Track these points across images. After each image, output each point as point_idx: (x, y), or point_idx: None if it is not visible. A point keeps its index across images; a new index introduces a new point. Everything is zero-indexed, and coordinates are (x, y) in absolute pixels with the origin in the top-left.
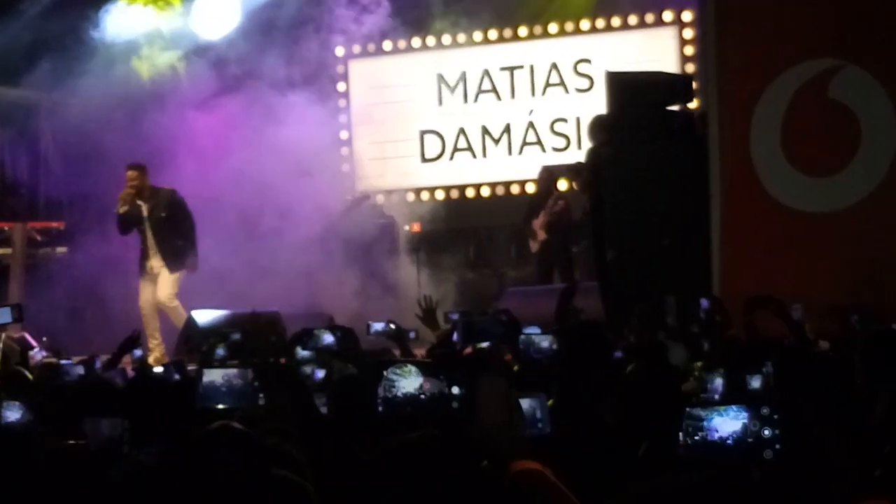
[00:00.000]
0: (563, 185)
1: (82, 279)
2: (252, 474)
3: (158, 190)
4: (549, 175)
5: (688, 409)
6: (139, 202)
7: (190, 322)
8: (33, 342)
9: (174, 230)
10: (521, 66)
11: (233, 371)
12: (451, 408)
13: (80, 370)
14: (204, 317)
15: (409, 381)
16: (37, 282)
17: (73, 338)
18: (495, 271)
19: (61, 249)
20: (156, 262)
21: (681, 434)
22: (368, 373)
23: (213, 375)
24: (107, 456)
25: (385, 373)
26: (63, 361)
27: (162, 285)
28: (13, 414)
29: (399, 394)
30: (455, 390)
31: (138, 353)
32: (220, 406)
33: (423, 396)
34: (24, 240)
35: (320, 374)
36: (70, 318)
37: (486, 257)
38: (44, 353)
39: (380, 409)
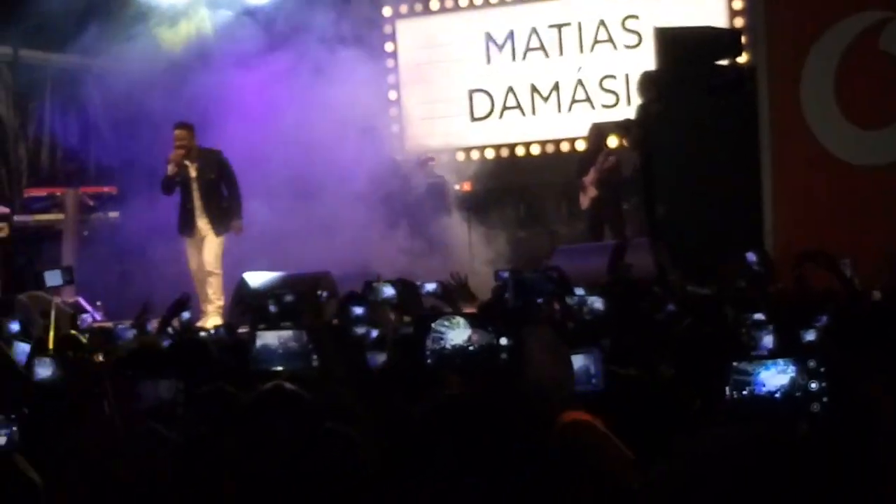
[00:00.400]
0: (613, 141)
1: (134, 243)
2: (305, 433)
3: (205, 151)
4: (600, 132)
5: (734, 363)
6: (186, 162)
7: (242, 284)
8: (87, 306)
9: (221, 192)
10: (569, 24)
11: (287, 333)
12: (500, 359)
13: (132, 333)
14: (256, 279)
15: (457, 333)
16: (89, 246)
17: (125, 302)
18: (546, 229)
19: (113, 214)
20: (202, 224)
21: (727, 388)
22: (418, 326)
23: (268, 338)
24: (161, 417)
25: (433, 325)
26: (119, 326)
27: (209, 249)
28: (44, 370)
29: (447, 346)
30: (503, 341)
31: (186, 315)
32: (276, 368)
33: (471, 348)
34: (76, 205)
35: (375, 333)
36: (122, 281)
37: (537, 215)
38: (97, 317)
39: (428, 361)
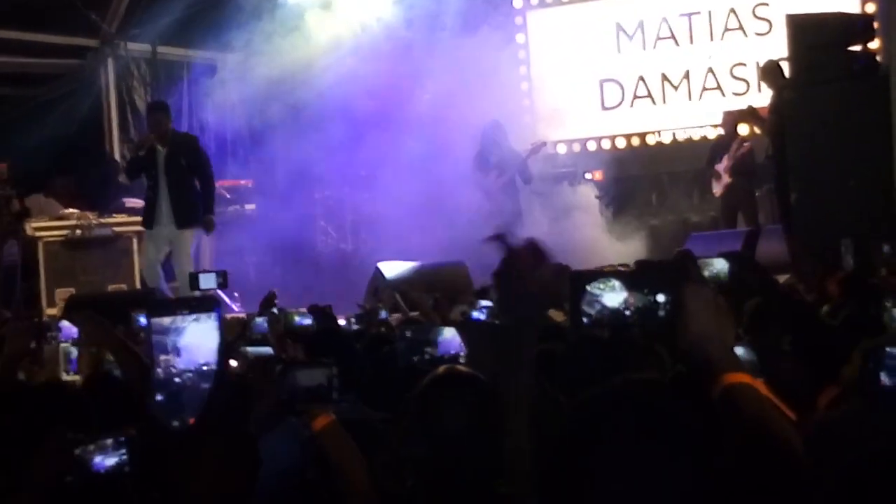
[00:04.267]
0: (744, 128)
1: (270, 236)
2: (479, 414)
3: (180, 135)
4: (732, 119)
5: (887, 348)
6: (157, 146)
7: (377, 274)
8: (225, 298)
9: (191, 182)
10: (699, 12)
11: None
12: (657, 318)
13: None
14: (390, 269)
15: (612, 296)
16: (226, 238)
17: (262, 293)
18: (678, 217)
19: (250, 206)
20: (166, 217)
21: (882, 374)
22: (573, 289)
23: (415, 332)
24: (316, 403)
25: (588, 287)
26: (255, 318)
27: (179, 248)
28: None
29: (603, 308)
30: (660, 298)
31: (275, 312)
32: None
33: (628, 312)
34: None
35: None
36: (259, 274)
37: (669, 203)
38: (235, 308)
39: (584, 321)
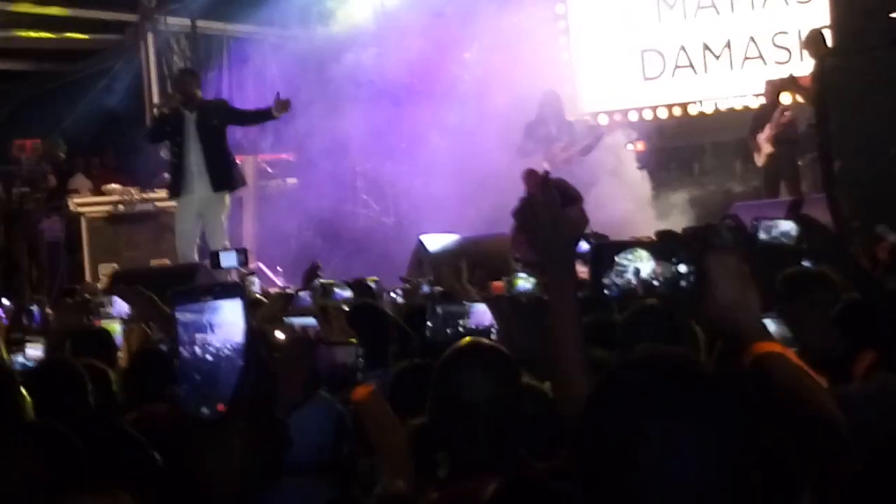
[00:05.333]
0: (786, 97)
1: (312, 209)
2: (505, 387)
3: (208, 101)
4: (774, 88)
5: None
6: (184, 111)
7: (420, 247)
8: (268, 272)
9: (224, 144)
10: None
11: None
12: (681, 287)
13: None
14: (434, 242)
15: (640, 266)
16: (268, 213)
17: (304, 267)
18: (720, 187)
19: (291, 180)
20: (200, 182)
21: None
22: (597, 259)
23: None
24: (342, 381)
25: (616, 258)
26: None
27: (212, 216)
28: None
29: (630, 278)
30: (683, 269)
31: (318, 283)
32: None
33: (655, 282)
34: (255, 172)
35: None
36: (301, 247)
37: (711, 173)
38: (279, 283)
39: (606, 292)
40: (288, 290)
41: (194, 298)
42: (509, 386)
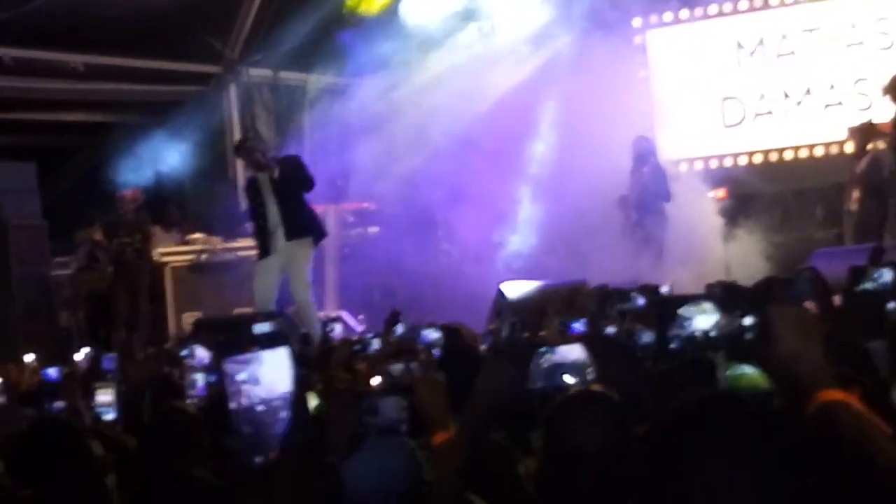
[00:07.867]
0: (871, 143)
1: (393, 257)
2: (614, 434)
3: (282, 158)
4: (857, 134)
5: None
6: (257, 176)
7: (500, 296)
8: (350, 320)
9: (300, 197)
10: (819, 28)
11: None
12: (744, 340)
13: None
14: (513, 289)
15: (704, 319)
16: (351, 261)
17: (385, 315)
18: (801, 234)
19: (373, 229)
20: (280, 236)
21: None
22: (661, 313)
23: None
24: (388, 432)
25: (679, 311)
26: (367, 335)
27: (296, 270)
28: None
29: (694, 331)
30: (747, 322)
31: (400, 330)
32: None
33: (715, 333)
34: (337, 221)
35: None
36: (384, 295)
37: (792, 220)
38: (359, 330)
39: (672, 346)
40: (353, 338)
41: (241, 349)
42: (619, 434)
